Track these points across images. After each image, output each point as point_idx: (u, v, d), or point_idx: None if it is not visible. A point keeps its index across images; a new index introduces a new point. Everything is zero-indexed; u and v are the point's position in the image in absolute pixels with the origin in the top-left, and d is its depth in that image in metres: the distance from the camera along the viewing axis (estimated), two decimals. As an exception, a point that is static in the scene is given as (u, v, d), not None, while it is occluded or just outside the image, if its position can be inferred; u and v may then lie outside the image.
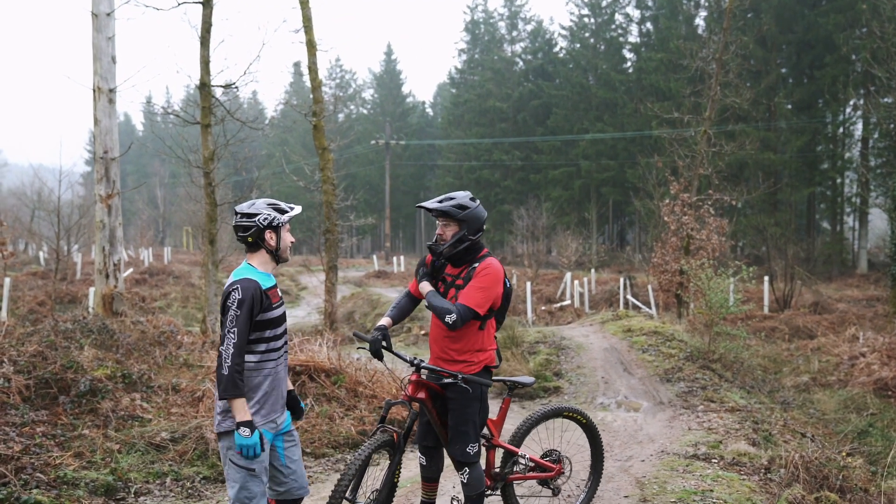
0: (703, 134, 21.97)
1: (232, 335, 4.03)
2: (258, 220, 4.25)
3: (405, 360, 4.98)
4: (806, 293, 26.23)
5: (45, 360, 8.11)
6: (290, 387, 4.59)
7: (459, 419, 4.93)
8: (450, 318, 4.71)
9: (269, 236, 4.30)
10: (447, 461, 5.26)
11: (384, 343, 4.88)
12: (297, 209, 4.45)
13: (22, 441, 6.50)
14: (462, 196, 4.95)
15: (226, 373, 3.99)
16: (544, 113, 53.72)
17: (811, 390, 13.84)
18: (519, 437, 5.41)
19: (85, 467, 6.53)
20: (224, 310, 4.11)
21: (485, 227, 5.02)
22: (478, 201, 5.00)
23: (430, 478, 5.33)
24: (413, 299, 5.25)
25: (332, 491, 4.40)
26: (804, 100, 40.56)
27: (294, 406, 4.60)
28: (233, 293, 4.09)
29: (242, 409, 4.03)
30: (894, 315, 21.09)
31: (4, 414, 7.05)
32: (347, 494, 4.50)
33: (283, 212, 4.36)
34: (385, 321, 5.00)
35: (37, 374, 7.81)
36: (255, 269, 4.29)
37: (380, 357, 4.88)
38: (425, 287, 4.92)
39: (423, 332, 18.21)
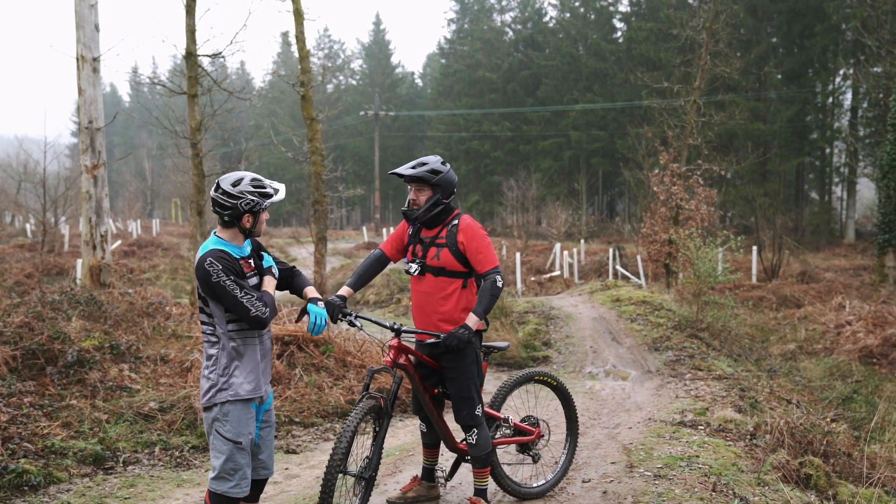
0: (693, 104, 21.93)
1: (248, 296, 4.03)
2: (240, 203, 4.10)
3: (385, 327, 4.97)
4: (794, 263, 26.37)
5: (31, 331, 8.08)
6: (314, 294, 4.51)
7: (461, 386, 4.97)
8: (499, 283, 4.89)
9: (247, 219, 4.17)
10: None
11: (344, 309, 4.84)
12: (282, 193, 4.28)
13: (9, 411, 6.49)
14: (434, 161, 4.99)
15: (267, 315, 4.10)
16: (534, 83, 53.45)
17: (797, 358, 13.96)
18: (497, 404, 5.44)
19: (73, 437, 6.53)
20: (210, 286, 4.00)
21: (455, 190, 5.06)
22: (448, 165, 5.04)
23: (431, 444, 5.40)
24: (381, 261, 5.21)
25: (326, 465, 4.41)
26: (794, 69, 40.49)
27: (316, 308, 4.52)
28: (208, 268, 3.99)
29: (312, 291, 4.43)
30: (880, 284, 21.27)
31: (-9, 384, 7.03)
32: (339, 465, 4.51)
33: (266, 196, 4.19)
34: (344, 291, 4.97)
35: (23, 345, 7.78)
36: (223, 241, 4.19)
37: (334, 320, 4.83)
38: (472, 320, 4.85)
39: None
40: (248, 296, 4.03)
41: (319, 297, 4.47)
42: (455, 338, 4.75)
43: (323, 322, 4.36)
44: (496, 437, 5.41)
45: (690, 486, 5.64)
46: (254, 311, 4.02)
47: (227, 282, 3.99)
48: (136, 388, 7.80)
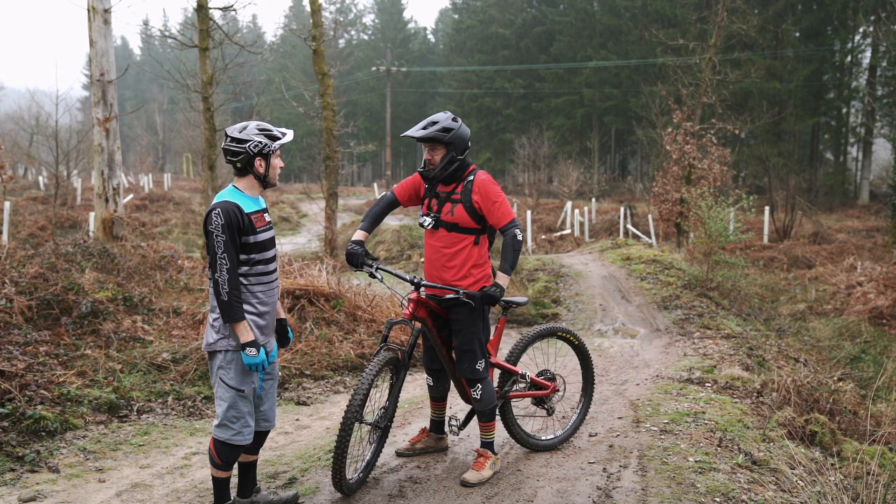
0: (708, 61, 21.67)
1: (223, 260, 4.01)
2: (248, 146, 4.13)
3: (405, 280, 5.01)
4: (806, 223, 26.26)
5: (46, 282, 8.17)
6: (283, 315, 4.59)
7: (465, 339, 5.01)
8: (519, 237, 4.89)
9: (259, 163, 4.20)
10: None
11: (367, 258, 4.89)
12: (289, 136, 4.31)
13: (25, 359, 6.58)
14: (445, 118, 4.95)
15: (225, 299, 4.01)
16: (547, 40, 52.83)
17: (807, 318, 13.97)
18: (515, 357, 5.49)
19: (88, 385, 6.63)
20: (207, 234, 4.07)
21: (469, 144, 5.05)
22: (460, 121, 5.01)
23: (438, 397, 5.48)
24: (392, 204, 5.23)
25: (344, 413, 4.50)
26: (812, 27, 39.82)
27: (282, 334, 4.60)
28: (214, 218, 4.03)
29: (245, 331, 4.08)
30: (893, 245, 21.18)
31: (7, 333, 7.13)
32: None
33: (274, 138, 4.22)
34: (359, 235, 4.99)
35: (38, 296, 7.88)
36: (240, 192, 4.21)
37: (358, 266, 4.88)
38: (503, 279, 4.88)
39: (422, 259, 18.31)
40: (226, 267, 4.02)
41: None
42: (489, 297, 4.81)
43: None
44: (512, 390, 5.47)
45: (696, 441, 5.71)
46: (221, 281, 4.02)
47: (220, 237, 4.02)
48: (149, 339, 7.91)
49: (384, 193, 5.33)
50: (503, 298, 5.28)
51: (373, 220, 5.13)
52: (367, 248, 5.03)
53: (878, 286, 14.83)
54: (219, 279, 4.01)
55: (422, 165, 5.07)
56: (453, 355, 5.19)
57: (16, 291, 7.83)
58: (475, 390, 5.07)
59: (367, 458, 4.94)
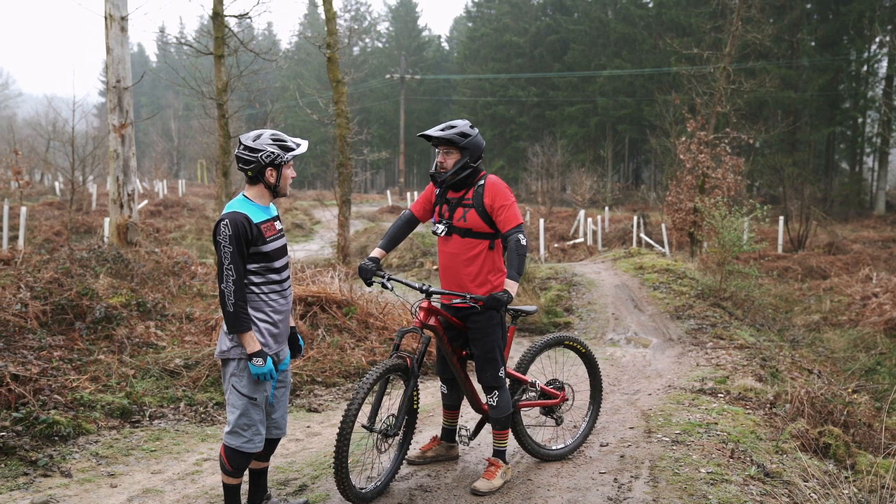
0: (723, 71, 21.61)
1: (230, 271, 4.01)
2: (260, 156, 4.13)
3: (414, 288, 5.02)
4: (821, 234, 26.07)
5: (61, 287, 8.23)
6: (292, 323, 4.58)
7: (486, 347, 5.01)
8: (523, 242, 4.83)
9: (270, 173, 4.19)
10: None
11: (378, 272, 4.94)
12: (303, 147, 4.30)
13: (39, 364, 6.63)
14: (463, 124, 5.00)
15: (231, 310, 4.01)
16: (562, 48, 52.81)
17: (821, 329, 13.86)
18: (524, 367, 5.48)
19: (101, 391, 6.67)
20: (216, 244, 4.07)
21: (482, 155, 5.07)
22: (477, 129, 5.06)
23: (451, 406, 5.48)
24: (410, 222, 5.27)
25: (342, 415, 4.46)
26: (828, 36, 39.63)
27: (293, 343, 4.59)
28: (223, 228, 4.03)
29: (252, 341, 4.07)
30: (909, 256, 20.97)
31: (22, 338, 7.19)
32: (365, 422, 4.59)
33: (287, 149, 4.21)
34: (376, 253, 5.07)
35: (53, 301, 7.93)
36: (250, 201, 4.21)
37: (368, 283, 4.94)
38: (511, 285, 4.81)
39: (435, 266, 18.30)
40: (232, 278, 4.03)
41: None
42: (496, 300, 4.74)
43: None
44: (522, 399, 5.46)
45: (708, 452, 5.67)
46: (227, 292, 4.02)
47: (227, 248, 4.01)
48: (161, 344, 7.94)
49: (403, 211, 5.36)
50: (512, 307, 5.27)
51: (390, 239, 5.19)
52: (381, 263, 5.04)
53: (894, 297, 14.69)
54: (224, 290, 4.02)
55: (433, 167, 5.09)
56: (463, 364, 5.19)
57: (31, 296, 7.89)
58: (492, 397, 5.07)
59: (387, 467, 4.93)
